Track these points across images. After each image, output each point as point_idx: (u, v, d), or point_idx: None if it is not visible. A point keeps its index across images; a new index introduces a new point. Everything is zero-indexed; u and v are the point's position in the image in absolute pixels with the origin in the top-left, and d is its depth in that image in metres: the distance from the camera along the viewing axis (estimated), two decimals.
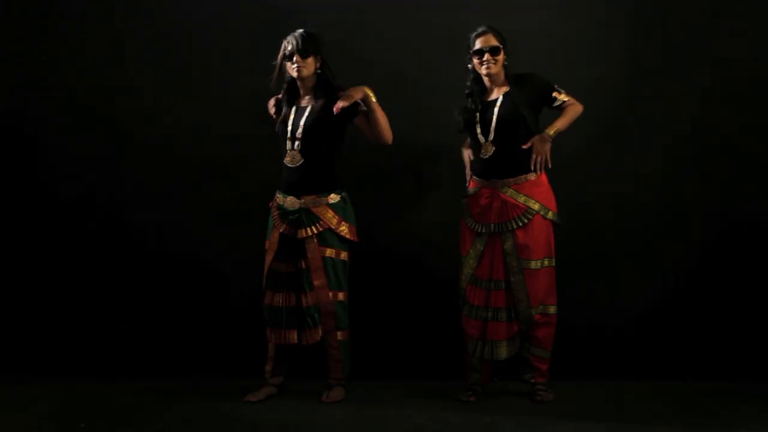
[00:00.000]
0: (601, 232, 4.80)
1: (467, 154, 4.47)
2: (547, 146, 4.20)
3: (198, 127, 4.85)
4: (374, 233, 4.51)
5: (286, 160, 4.22)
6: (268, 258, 4.26)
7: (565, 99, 4.25)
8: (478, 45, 4.24)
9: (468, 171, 4.44)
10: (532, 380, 4.28)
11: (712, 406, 4.13)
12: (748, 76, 4.78)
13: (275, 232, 4.25)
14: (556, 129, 4.21)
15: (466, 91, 4.35)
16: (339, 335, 4.22)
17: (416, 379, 4.60)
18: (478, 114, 4.28)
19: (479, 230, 4.25)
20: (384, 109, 4.20)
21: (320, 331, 4.20)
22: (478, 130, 4.26)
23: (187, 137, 4.86)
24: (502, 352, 4.19)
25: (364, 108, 4.15)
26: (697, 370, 4.66)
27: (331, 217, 4.19)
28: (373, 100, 4.12)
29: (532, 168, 4.20)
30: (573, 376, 4.54)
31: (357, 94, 4.08)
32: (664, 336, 4.78)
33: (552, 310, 4.25)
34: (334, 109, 4.05)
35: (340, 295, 4.22)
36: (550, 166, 4.22)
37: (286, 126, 4.23)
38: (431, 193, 4.84)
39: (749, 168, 4.80)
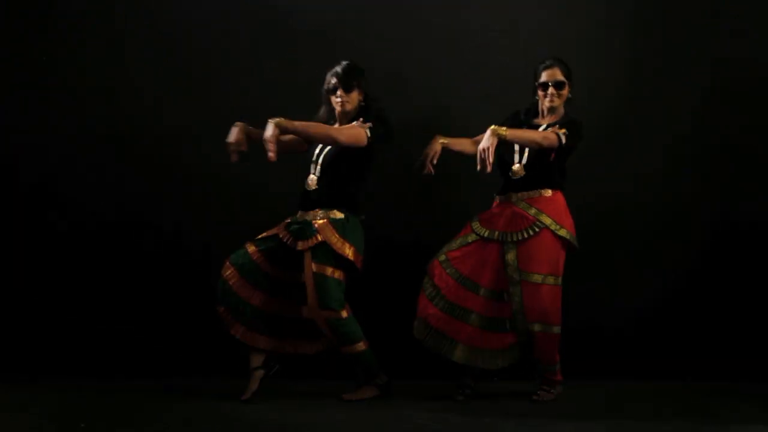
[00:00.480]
0: (601, 232, 4.79)
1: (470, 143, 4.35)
2: (491, 141, 3.96)
3: (198, 127, 4.85)
4: (374, 233, 4.50)
5: (308, 182, 4.20)
6: (251, 246, 4.20)
7: (552, 129, 4.16)
8: (543, 78, 4.23)
9: (462, 143, 4.35)
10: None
11: (712, 406, 4.12)
12: (748, 76, 4.79)
13: (278, 230, 4.23)
14: (511, 131, 4.03)
15: (525, 108, 4.34)
16: (350, 349, 4.19)
17: (416, 379, 4.61)
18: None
19: (482, 233, 4.24)
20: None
21: (314, 346, 4.26)
22: (516, 148, 4.24)
23: (187, 137, 4.86)
24: (491, 362, 4.22)
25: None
26: (697, 370, 4.67)
27: (329, 233, 4.11)
28: (284, 125, 3.89)
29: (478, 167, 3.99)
30: (573, 376, 4.53)
31: (268, 133, 3.86)
32: (664, 336, 4.78)
33: (556, 330, 4.16)
34: (269, 160, 3.89)
35: (343, 313, 4.14)
36: (488, 169, 3.96)
37: (312, 152, 4.23)
38: (430, 194, 4.83)
39: (749, 168, 4.81)
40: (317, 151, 4.22)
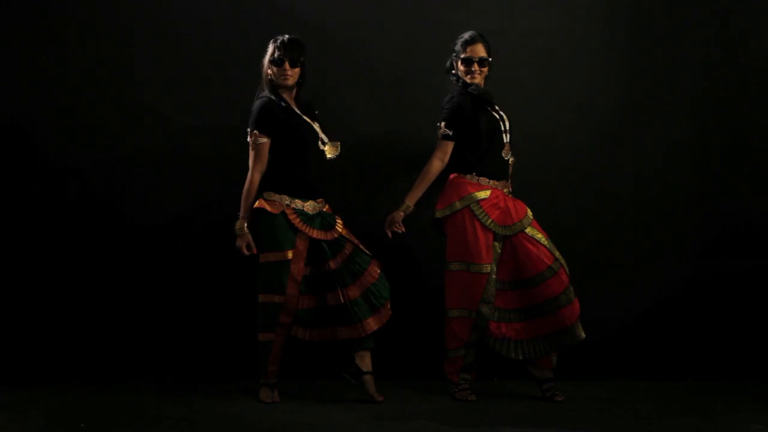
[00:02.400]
0: (602, 233, 4.80)
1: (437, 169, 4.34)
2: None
3: (198, 127, 4.85)
4: (372, 233, 4.50)
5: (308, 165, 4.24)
6: (297, 266, 4.20)
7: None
8: (468, 53, 4.20)
9: (424, 185, 4.32)
10: (547, 377, 4.28)
11: (712, 406, 4.13)
12: (747, 77, 4.79)
13: (302, 239, 4.21)
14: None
15: (472, 91, 4.24)
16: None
17: (416, 379, 4.61)
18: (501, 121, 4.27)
19: (505, 233, 4.22)
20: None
21: (353, 330, 4.24)
22: (503, 128, 4.25)
23: (187, 137, 4.85)
24: (519, 353, 4.21)
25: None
26: (697, 370, 4.67)
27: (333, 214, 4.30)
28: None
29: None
30: (573, 376, 4.54)
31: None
32: (664, 336, 4.78)
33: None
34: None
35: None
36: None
37: (306, 128, 4.24)
38: (430, 193, 4.82)
39: (749, 168, 4.81)
40: (308, 129, 4.24)
